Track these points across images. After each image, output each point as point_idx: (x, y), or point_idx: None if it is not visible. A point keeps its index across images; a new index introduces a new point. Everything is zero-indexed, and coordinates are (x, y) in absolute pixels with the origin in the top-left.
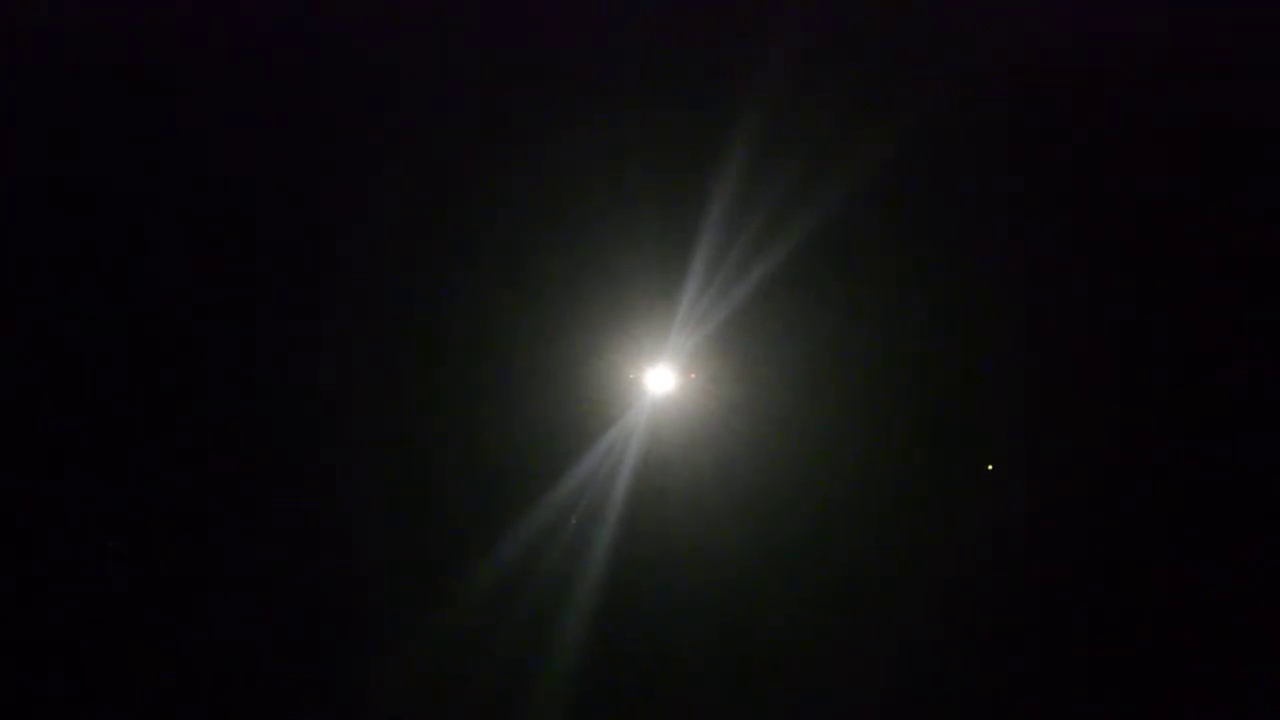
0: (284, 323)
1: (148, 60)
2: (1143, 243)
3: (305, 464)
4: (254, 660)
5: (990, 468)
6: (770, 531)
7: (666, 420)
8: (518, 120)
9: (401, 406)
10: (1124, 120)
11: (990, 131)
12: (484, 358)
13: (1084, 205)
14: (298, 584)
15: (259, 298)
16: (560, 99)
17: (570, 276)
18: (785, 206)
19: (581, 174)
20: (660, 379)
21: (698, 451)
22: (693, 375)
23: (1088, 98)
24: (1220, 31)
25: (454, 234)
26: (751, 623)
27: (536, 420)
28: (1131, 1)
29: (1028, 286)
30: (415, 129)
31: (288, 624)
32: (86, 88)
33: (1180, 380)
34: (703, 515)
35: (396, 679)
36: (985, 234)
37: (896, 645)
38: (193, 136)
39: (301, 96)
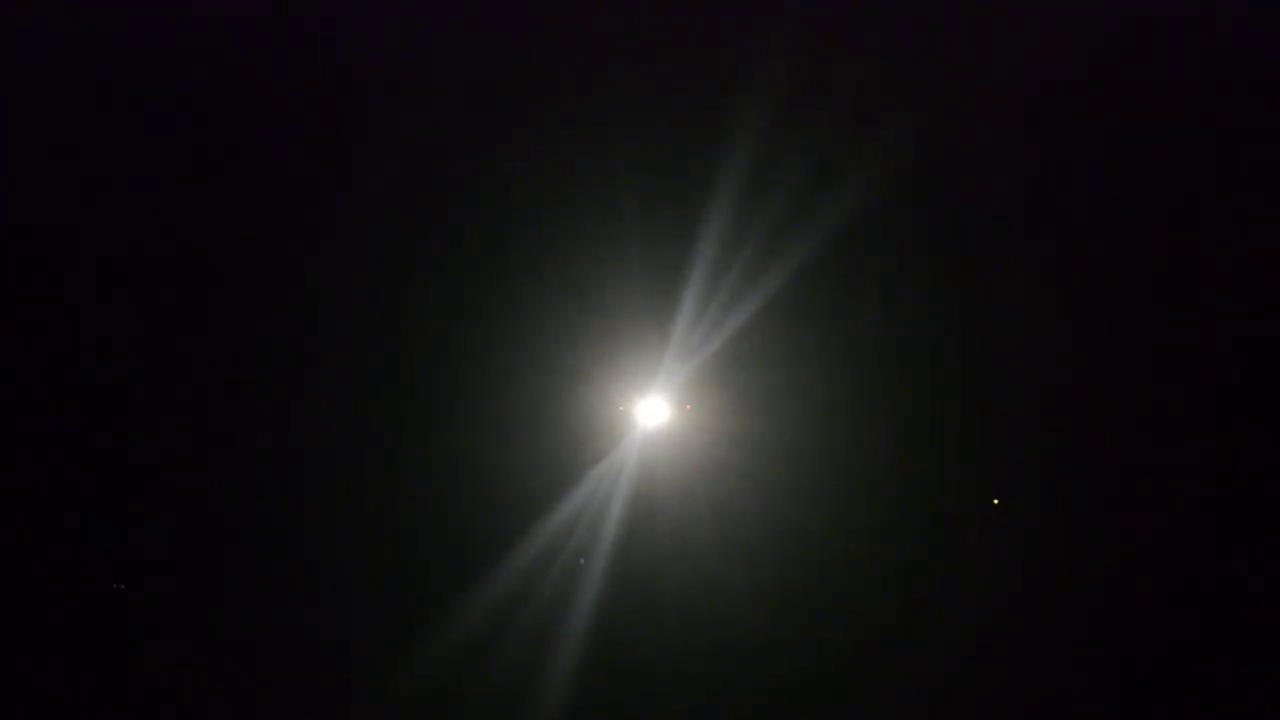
0: (250, 362)
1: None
2: (1157, 245)
3: (269, 508)
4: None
5: (996, 502)
6: (771, 578)
7: (659, 456)
8: (501, 141)
9: (373, 441)
10: (1138, 120)
11: (997, 151)
12: (463, 387)
13: (1097, 215)
14: (260, 633)
15: (224, 329)
16: (546, 118)
17: (557, 300)
18: (787, 226)
19: (570, 192)
20: (652, 411)
21: (693, 491)
22: (689, 407)
23: (1100, 97)
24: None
25: (432, 252)
26: (750, 679)
27: (518, 455)
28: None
29: (1041, 315)
30: (390, 159)
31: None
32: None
33: (1204, 384)
34: (698, 561)
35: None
36: (997, 259)
37: (907, 698)
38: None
39: (286, 97)
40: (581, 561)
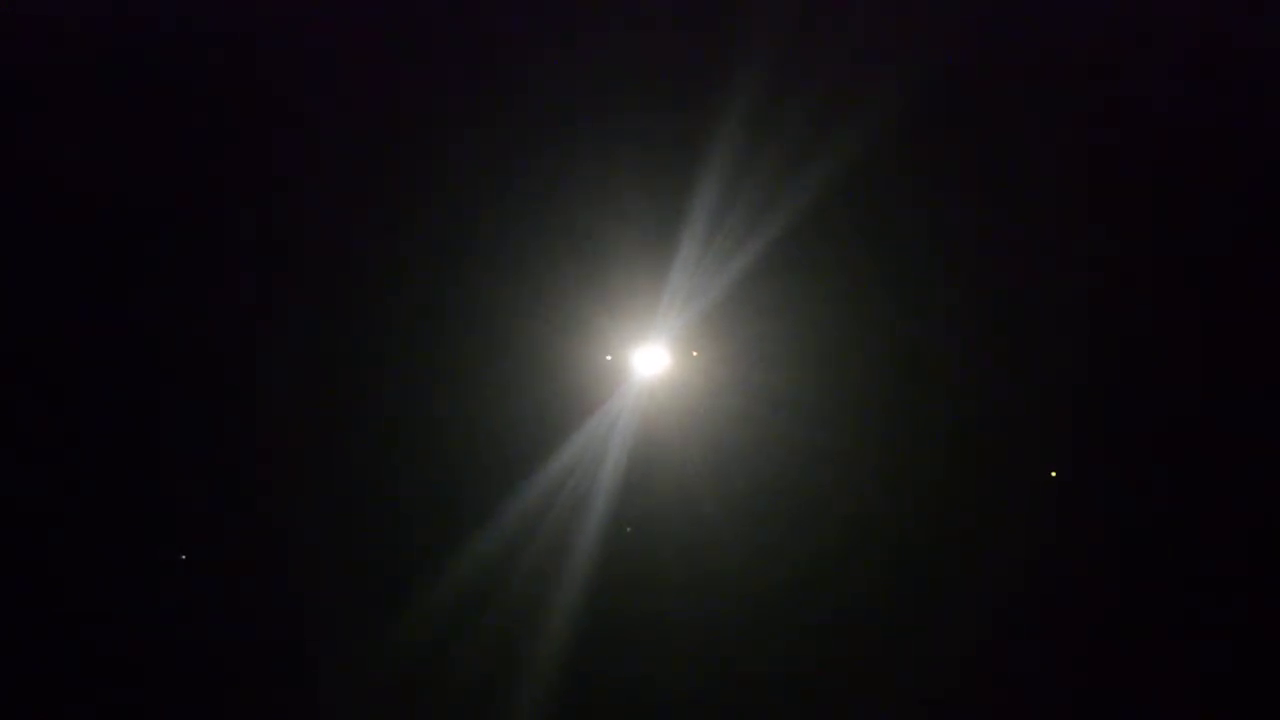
0: (241, 310)
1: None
2: (1159, 235)
3: (257, 455)
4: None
5: (1054, 474)
6: (781, 542)
7: (657, 408)
8: (495, 77)
9: (353, 394)
10: (1131, 110)
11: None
12: (444, 337)
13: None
14: (251, 582)
15: (226, 285)
16: (543, 53)
17: (547, 237)
18: (804, 157)
19: (558, 127)
20: (651, 359)
21: (696, 447)
22: (695, 353)
23: (1092, 85)
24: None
25: (418, 191)
26: (754, 639)
27: (504, 408)
28: None
29: (1053, 265)
30: (379, 104)
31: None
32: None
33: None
34: (699, 521)
35: (358, 685)
36: (1023, 197)
37: (923, 673)
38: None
39: (284, 87)
40: (629, 530)
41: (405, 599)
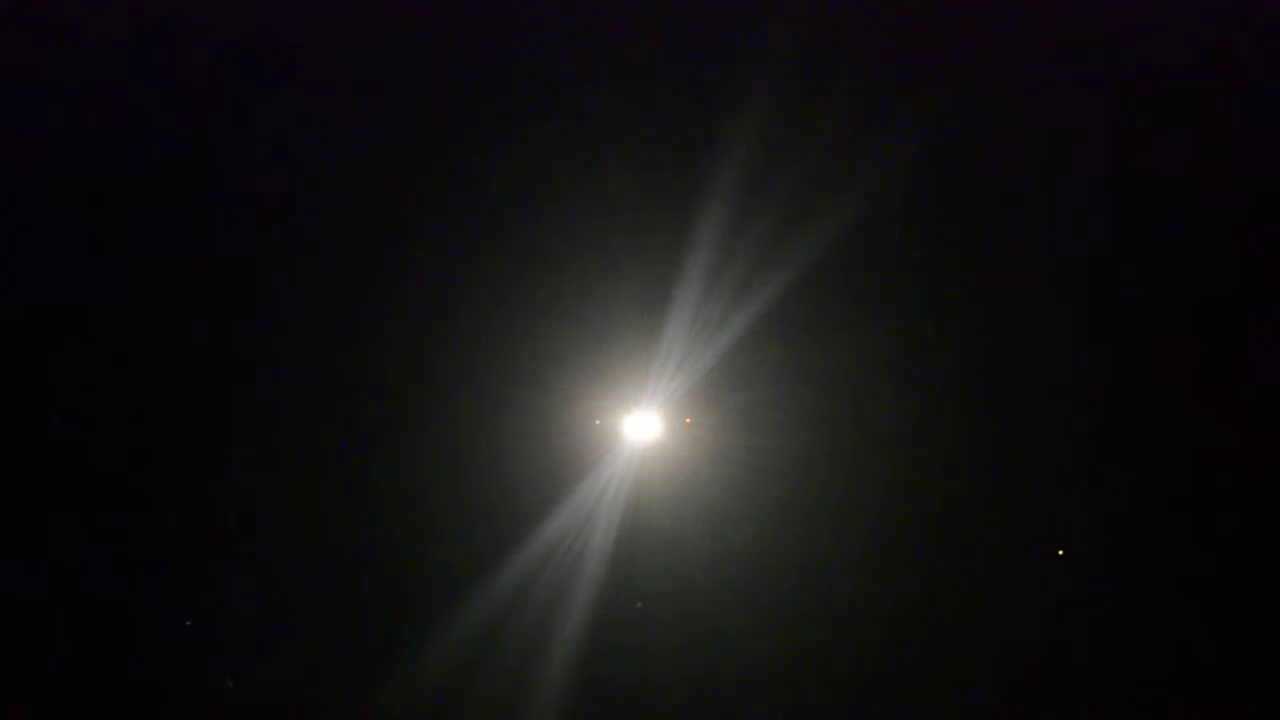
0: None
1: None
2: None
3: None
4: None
5: (1061, 552)
6: (775, 609)
7: (649, 477)
8: (484, 141)
9: (343, 463)
10: (1155, 121)
11: (1008, 156)
12: (434, 404)
13: (1111, 223)
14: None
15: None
16: (532, 117)
17: (536, 298)
18: (789, 233)
19: (552, 171)
20: (643, 425)
21: (688, 510)
22: (689, 420)
23: (1114, 98)
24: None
25: (408, 258)
26: (749, 708)
27: (495, 475)
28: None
29: (1054, 327)
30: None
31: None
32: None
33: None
34: (693, 584)
35: None
36: (1009, 269)
37: None
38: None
39: (259, 97)
40: (639, 605)
41: (397, 668)
